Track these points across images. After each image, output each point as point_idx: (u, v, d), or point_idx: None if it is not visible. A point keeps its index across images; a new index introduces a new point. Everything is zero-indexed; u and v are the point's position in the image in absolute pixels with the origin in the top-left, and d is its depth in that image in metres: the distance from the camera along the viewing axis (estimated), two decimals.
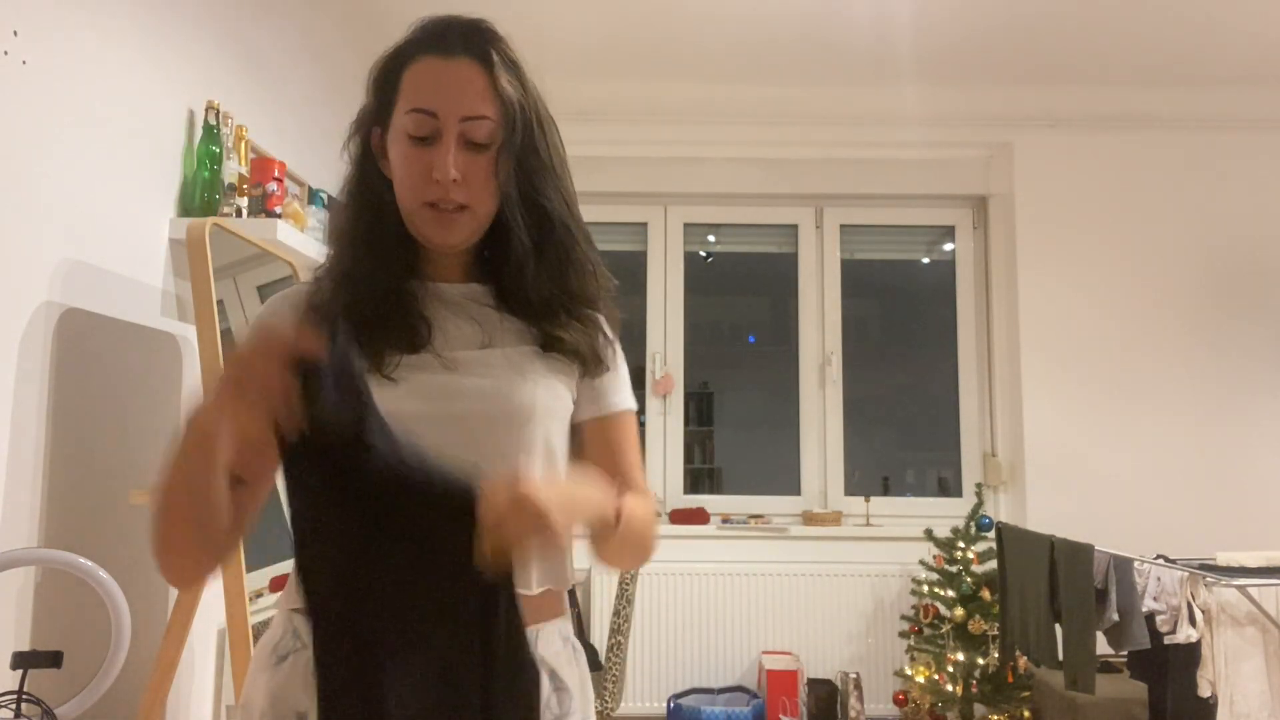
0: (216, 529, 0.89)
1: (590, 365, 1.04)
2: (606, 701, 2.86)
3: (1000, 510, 3.95)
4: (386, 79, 1.01)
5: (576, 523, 0.91)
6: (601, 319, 1.08)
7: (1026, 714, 3.32)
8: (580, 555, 1.04)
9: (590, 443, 1.06)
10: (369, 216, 1.02)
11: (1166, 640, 2.41)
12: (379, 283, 1.00)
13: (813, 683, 3.56)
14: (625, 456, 1.07)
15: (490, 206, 1.00)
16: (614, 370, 1.08)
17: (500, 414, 0.97)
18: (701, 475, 4.17)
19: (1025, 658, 3.18)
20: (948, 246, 4.25)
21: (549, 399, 1.01)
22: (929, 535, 3.63)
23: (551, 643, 1.01)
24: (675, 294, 4.19)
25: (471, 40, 0.98)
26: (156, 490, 0.88)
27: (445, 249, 1.02)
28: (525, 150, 1.00)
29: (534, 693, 0.90)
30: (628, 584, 2.92)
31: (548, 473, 1.00)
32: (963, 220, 4.23)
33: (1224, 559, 2.56)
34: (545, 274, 1.03)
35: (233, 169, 2.20)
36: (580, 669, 1.05)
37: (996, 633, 3.29)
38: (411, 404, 0.94)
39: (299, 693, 0.92)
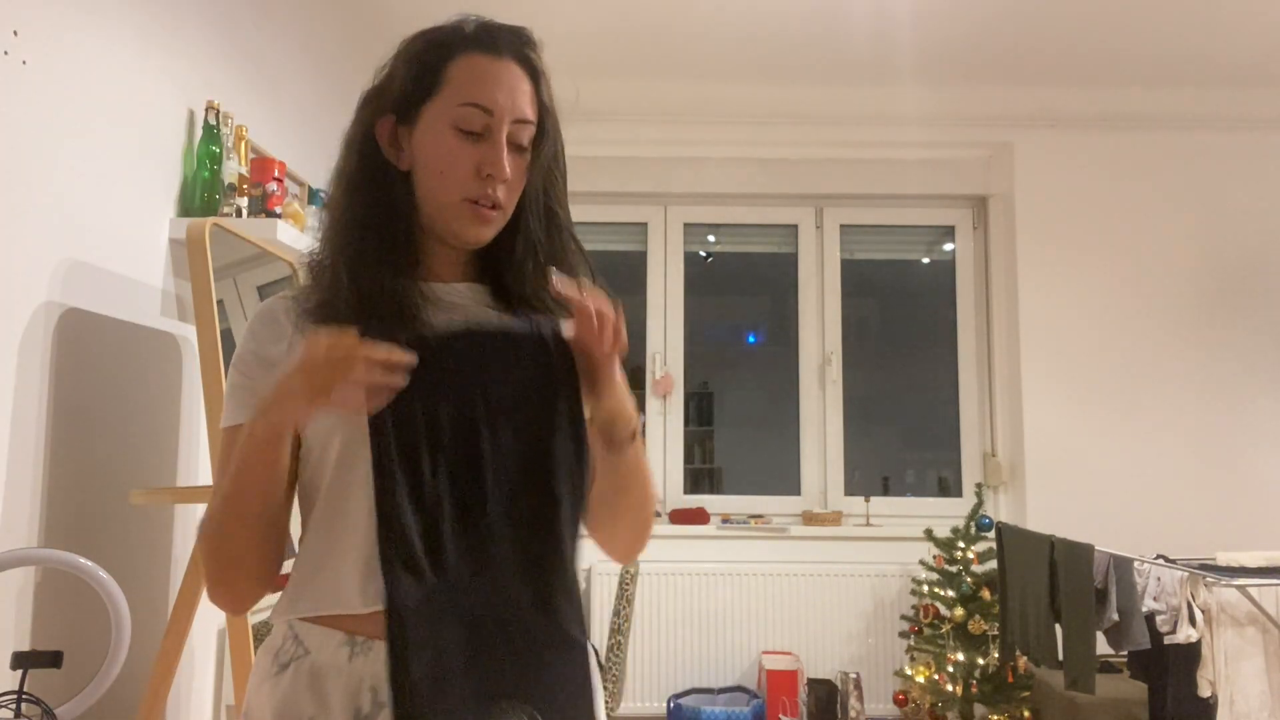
0: (280, 535, 0.94)
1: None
2: (607, 701, 2.86)
3: (1000, 510, 3.95)
4: (428, 67, 0.98)
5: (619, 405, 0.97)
6: None
7: (1026, 714, 3.32)
8: (581, 554, 1.03)
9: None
10: (377, 211, 1.00)
11: (1166, 640, 2.41)
12: (385, 286, 0.97)
13: (813, 683, 3.56)
14: None
15: (513, 208, 1.03)
16: None
17: None
18: (701, 475, 4.17)
19: (1025, 658, 3.18)
20: (948, 246, 4.25)
21: None
22: (929, 535, 3.63)
23: None
24: (675, 294, 4.19)
25: (519, 46, 1.02)
26: (218, 509, 0.92)
27: (471, 245, 1.02)
28: (553, 162, 1.04)
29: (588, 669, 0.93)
30: (628, 584, 2.92)
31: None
32: (963, 220, 4.23)
33: (1224, 559, 2.56)
34: (542, 273, 1.04)
35: (233, 169, 2.20)
36: (592, 664, 1.05)
37: (996, 633, 3.29)
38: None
39: (304, 699, 0.90)
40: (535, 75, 1.02)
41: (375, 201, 1.00)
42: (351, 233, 0.99)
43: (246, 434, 0.91)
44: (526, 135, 1.00)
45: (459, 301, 1.03)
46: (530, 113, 1.00)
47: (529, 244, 1.03)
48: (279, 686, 0.92)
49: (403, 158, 1.00)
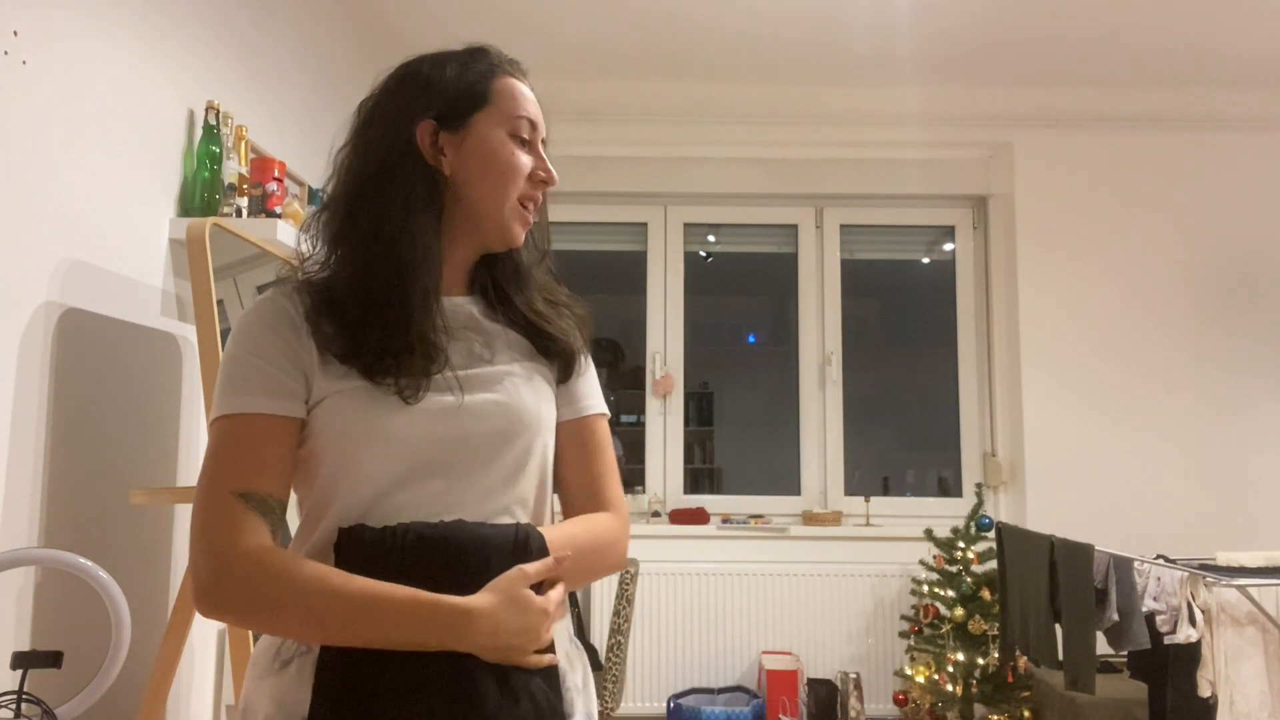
0: None
1: (569, 369, 1.10)
2: (606, 701, 2.86)
3: (1000, 510, 3.95)
4: (479, 78, 1.05)
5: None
6: (575, 326, 1.14)
7: (1026, 714, 3.32)
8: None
9: (564, 444, 1.09)
10: (417, 218, 0.99)
11: (1166, 640, 2.41)
12: (423, 299, 0.98)
13: (813, 683, 3.56)
14: (597, 461, 1.10)
15: None
16: (586, 374, 1.13)
17: (510, 428, 1.00)
18: (701, 475, 4.17)
19: (1025, 658, 3.18)
20: (948, 246, 4.25)
21: (548, 407, 1.06)
22: (929, 535, 3.63)
23: (561, 643, 1.02)
24: (675, 294, 4.19)
25: (527, 76, 1.12)
26: (316, 607, 0.87)
27: (514, 245, 1.09)
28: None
29: (556, 692, 0.95)
30: (628, 584, 2.92)
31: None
32: (963, 220, 4.23)
33: (1224, 559, 2.55)
34: (536, 285, 1.12)
35: (233, 169, 2.20)
36: (584, 668, 1.07)
37: (996, 633, 3.29)
38: (427, 426, 0.97)
39: (305, 696, 0.91)
40: (539, 103, 1.12)
41: (416, 207, 1.00)
42: (392, 238, 0.99)
43: (449, 620, 0.88)
44: (545, 151, 1.11)
45: (460, 316, 1.06)
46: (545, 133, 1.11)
47: (530, 254, 1.13)
48: (281, 682, 0.93)
49: (445, 162, 1.03)
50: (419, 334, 0.97)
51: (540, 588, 0.95)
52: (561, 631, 1.03)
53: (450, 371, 0.99)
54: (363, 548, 0.91)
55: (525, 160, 1.06)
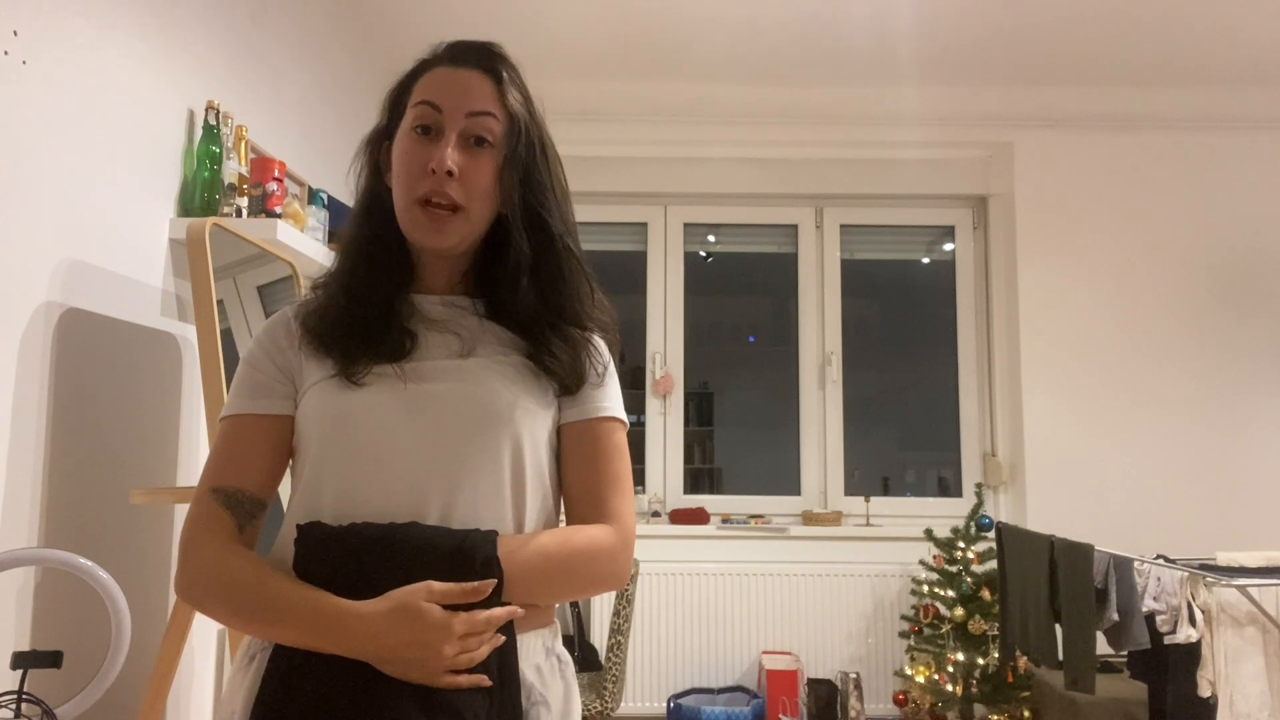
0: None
1: (570, 382, 1.04)
2: (606, 701, 2.86)
3: (1000, 510, 3.95)
4: (399, 93, 1.06)
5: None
6: (593, 340, 1.08)
7: (1026, 714, 3.32)
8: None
9: (568, 446, 1.04)
10: (370, 228, 1.07)
11: (1166, 640, 2.41)
12: (373, 295, 1.03)
13: (813, 683, 3.56)
14: (601, 468, 1.03)
15: (485, 214, 1.03)
16: (603, 384, 1.07)
17: (471, 419, 0.97)
18: (701, 475, 4.17)
19: (1025, 658, 3.18)
20: (948, 246, 4.25)
21: (522, 406, 1.00)
22: (929, 535, 3.63)
23: (533, 654, 0.99)
24: (675, 294, 4.19)
25: (483, 57, 1.04)
26: (248, 603, 0.91)
27: (436, 252, 1.04)
28: (529, 165, 1.03)
29: (509, 710, 0.91)
30: (628, 584, 2.92)
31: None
32: (963, 220, 4.23)
33: (1224, 559, 2.55)
34: (538, 289, 1.05)
35: (233, 169, 2.19)
36: (565, 682, 1.03)
37: (996, 633, 3.29)
38: (389, 412, 0.97)
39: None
40: (498, 78, 1.04)
41: (367, 220, 1.08)
42: (348, 248, 1.09)
43: (328, 622, 0.87)
44: (486, 127, 1.01)
45: (442, 312, 1.06)
46: (488, 105, 1.01)
47: (519, 259, 1.03)
48: (247, 678, 0.95)
49: (389, 176, 1.07)
50: (373, 327, 1.01)
51: (490, 602, 0.90)
52: (537, 645, 1.00)
53: (420, 362, 1.00)
54: (314, 545, 0.91)
55: (418, 154, 0.99)
